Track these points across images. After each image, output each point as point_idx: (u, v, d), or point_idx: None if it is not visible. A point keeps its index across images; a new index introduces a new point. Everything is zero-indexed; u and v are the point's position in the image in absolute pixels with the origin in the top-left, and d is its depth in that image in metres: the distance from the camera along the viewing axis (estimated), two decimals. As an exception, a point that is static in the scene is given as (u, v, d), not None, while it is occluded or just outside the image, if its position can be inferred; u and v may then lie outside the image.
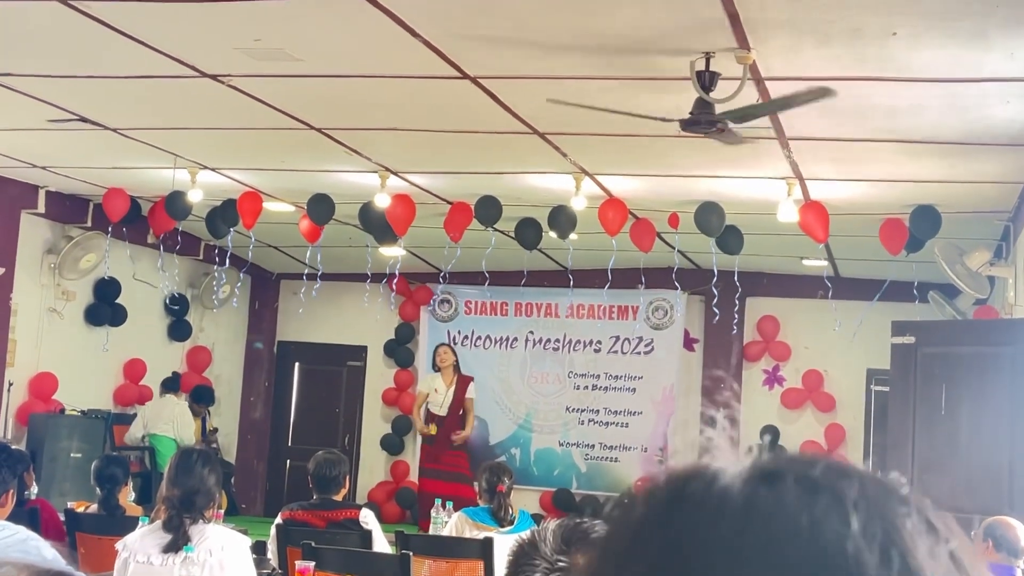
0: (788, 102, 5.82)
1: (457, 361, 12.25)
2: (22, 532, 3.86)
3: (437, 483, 11.55)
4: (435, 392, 12.07)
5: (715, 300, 11.24)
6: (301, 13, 5.94)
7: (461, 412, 12.02)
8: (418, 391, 12.72)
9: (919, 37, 5.66)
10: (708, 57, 6.00)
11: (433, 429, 11.89)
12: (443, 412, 11.92)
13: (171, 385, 12.93)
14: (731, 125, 6.08)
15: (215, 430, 13.59)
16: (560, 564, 1.63)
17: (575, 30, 5.90)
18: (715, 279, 10.90)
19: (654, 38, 5.91)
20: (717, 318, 11.72)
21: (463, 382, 12.09)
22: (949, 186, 8.68)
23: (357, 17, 5.86)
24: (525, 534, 1.69)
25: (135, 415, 12.77)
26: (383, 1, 5.66)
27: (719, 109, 6.07)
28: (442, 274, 11.89)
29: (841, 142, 7.73)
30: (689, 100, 6.21)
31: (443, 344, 12.71)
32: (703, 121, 6.03)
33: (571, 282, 12.31)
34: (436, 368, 12.23)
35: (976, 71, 6.10)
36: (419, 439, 12.52)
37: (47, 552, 3.58)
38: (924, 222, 9.24)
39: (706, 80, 6.04)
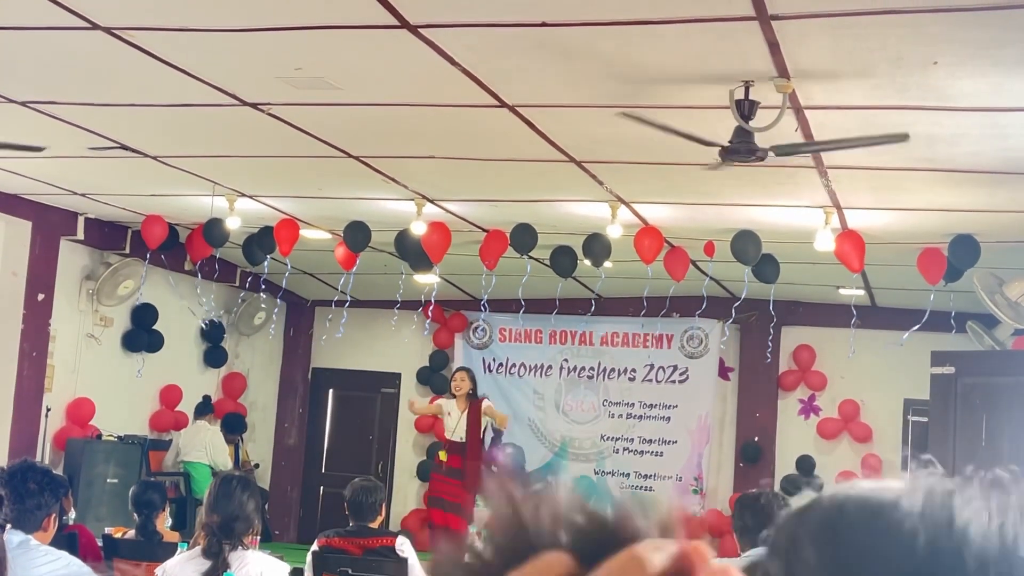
0: (863, 142, 5.82)
1: (474, 388, 11.48)
2: (65, 557, 3.88)
3: (439, 512, 11.16)
4: (448, 416, 11.39)
5: (732, 320, 11.20)
6: (342, 42, 5.98)
7: (480, 434, 11.33)
8: (434, 404, 12.18)
9: (961, 66, 5.64)
10: (747, 86, 6.00)
11: (443, 455, 11.30)
12: (457, 438, 11.25)
13: (202, 410, 12.97)
14: (771, 154, 6.07)
15: (256, 465, 13.62)
16: None
17: (614, 59, 5.91)
18: (738, 303, 10.87)
19: (693, 67, 5.91)
20: (740, 339, 11.67)
21: (475, 406, 11.36)
22: (989, 215, 8.62)
23: (397, 46, 5.90)
24: None
25: (171, 441, 12.84)
26: (424, 30, 5.69)
27: (762, 138, 6.05)
28: (482, 302, 11.83)
29: (880, 171, 7.69)
30: (727, 129, 6.21)
31: (461, 369, 12.01)
32: (743, 150, 6.02)
33: (593, 308, 12.28)
34: (452, 395, 11.58)
35: (1018, 100, 6.06)
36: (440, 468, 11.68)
37: None
38: (963, 251, 9.17)
39: (745, 109, 6.03)
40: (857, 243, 9.18)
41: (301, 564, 6.42)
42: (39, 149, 7.32)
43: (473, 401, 11.39)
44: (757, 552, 4.42)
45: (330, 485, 14.48)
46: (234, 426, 13.29)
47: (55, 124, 7.87)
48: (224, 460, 12.57)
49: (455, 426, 11.29)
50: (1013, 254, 9.61)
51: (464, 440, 11.25)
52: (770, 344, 12.79)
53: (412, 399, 12.65)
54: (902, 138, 5.64)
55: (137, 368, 12.23)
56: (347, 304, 11.98)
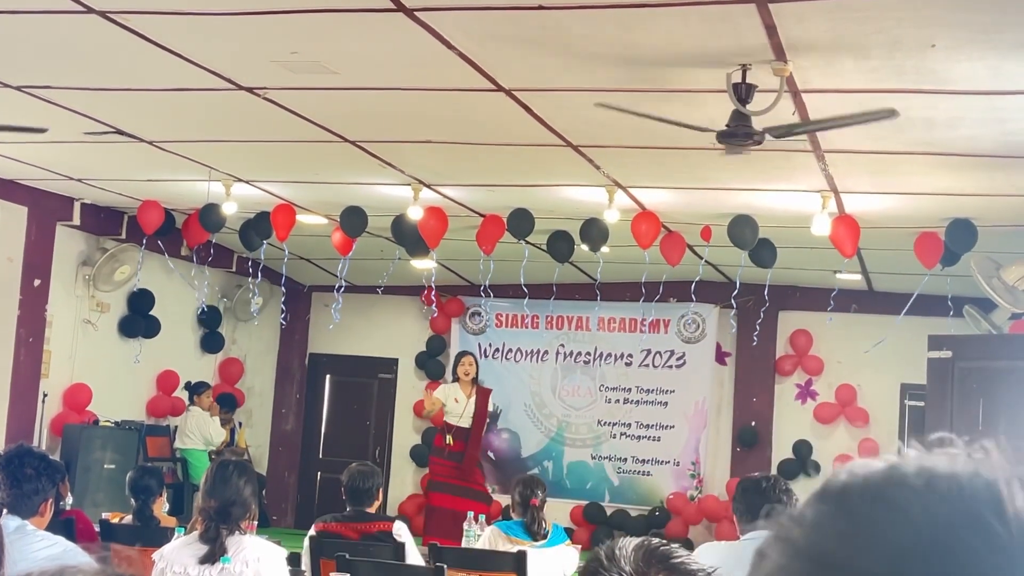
0: (851, 120, 5.80)
1: (477, 372, 11.40)
2: (62, 542, 3.88)
3: (452, 498, 10.86)
4: (455, 402, 11.21)
5: (733, 313, 11.19)
6: (338, 26, 5.96)
7: (485, 422, 11.30)
8: (434, 396, 11.43)
9: (958, 49, 5.62)
10: (745, 69, 5.98)
11: (451, 440, 11.15)
12: (465, 424, 11.15)
13: (191, 395, 12.91)
14: (768, 137, 6.06)
15: (246, 449, 13.61)
16: None
17: (611, 43, 5.89)
18: (735, 292, 10.86)
19: (690, 50, 5.89)
20: (735, 328, 11.67)
21: (483, 393, 11.34)
22: (986, 199, 8.61)
23: (394, 30, 5.88)
24: (602, 546, 1.66)
25: (167, 426, 12.85)
26: (420, 14, 5.67)
27: (759, 122, 6.04)
28: (481, 288, 11.77)
29: (877, 155, 7.68)
30: (724, 112, 6.19)
31: (468, 353, 11.89)
32: (740, 134, 6.01)
33: (598, 296, 12.26)
34: (456, 378, 11.39)
35: (1016, 83, 6.05)
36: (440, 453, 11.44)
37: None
38: (960, 235, 9.17)
39: (742, 92, 6.02)
40: (851, 228, 9.17)
41: (298, 549, 6.42)
42: (42, 131, 7.28)
43: (480, 388, 11.32)
44: (757, 534, 4.42)
45: (327, 470, 14.49)
46: (226, 404, 13.30)
47: (51, 109, 7.85)
48: (214, 438, 12.57)
49: (462, 411, 11.15)
50: (1010, 238, 9.61)
51: (470, 426, 11.17)
52: (769, 328, 12.79)
53: (422, 405, 11.71)
54: (891, 114, 5.61)
55: (134, 354, 12.22)
56: (344, 289, 11.96)
